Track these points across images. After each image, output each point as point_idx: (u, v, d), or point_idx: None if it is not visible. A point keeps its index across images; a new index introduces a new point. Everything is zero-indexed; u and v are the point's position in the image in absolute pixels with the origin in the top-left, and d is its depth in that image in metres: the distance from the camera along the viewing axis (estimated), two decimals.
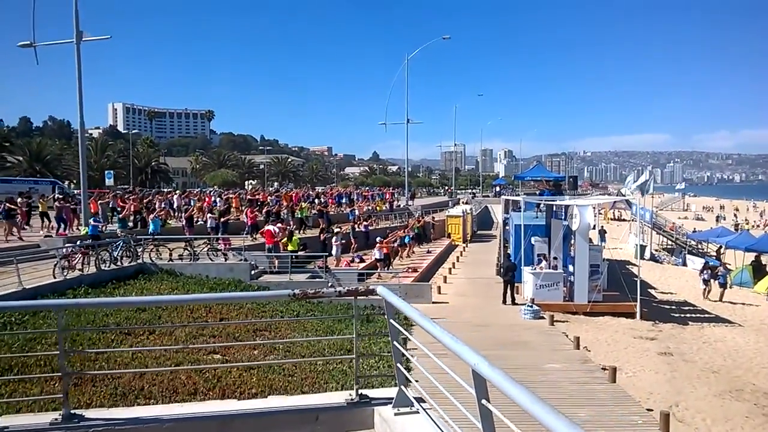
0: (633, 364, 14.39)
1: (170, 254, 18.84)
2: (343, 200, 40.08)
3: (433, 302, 20.08)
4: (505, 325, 17.01)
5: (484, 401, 2.78)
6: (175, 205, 29.30)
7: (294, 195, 37.17)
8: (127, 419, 4.21)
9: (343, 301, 16.12)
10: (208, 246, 19.55)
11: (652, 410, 10.22)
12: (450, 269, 27.87)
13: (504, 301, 20.33)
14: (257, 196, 33.90)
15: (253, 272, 18.85)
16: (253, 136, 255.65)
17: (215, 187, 68.43)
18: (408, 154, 53.24)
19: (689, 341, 18.24)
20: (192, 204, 28.40)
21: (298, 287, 16.77)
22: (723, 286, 26.96)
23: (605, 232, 46.24)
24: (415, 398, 4.37)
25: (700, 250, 41.84)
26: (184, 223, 23.39)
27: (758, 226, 60.89)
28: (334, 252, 24.47)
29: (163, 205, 27.61)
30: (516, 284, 21.31)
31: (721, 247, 37.46)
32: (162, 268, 18.26)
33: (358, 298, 4.73)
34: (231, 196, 34.62)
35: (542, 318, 17.71)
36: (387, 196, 49.25)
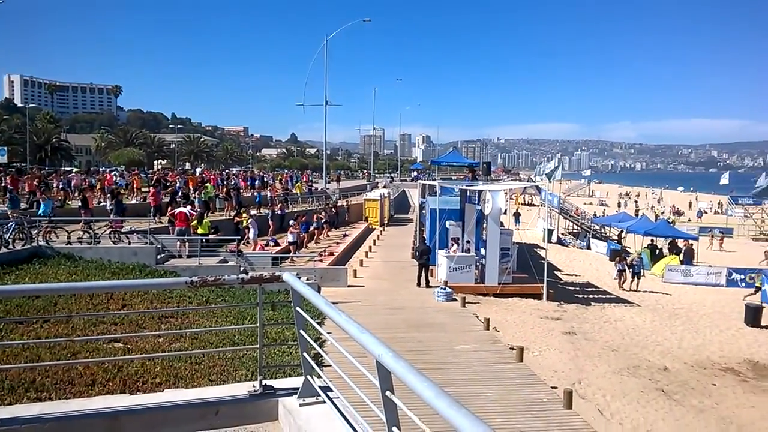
0: (539, 343, 14.93)
1: (68, 237, 17.65)
2: (256, 182, 39.13)
3: (349, 286, 20.00)
4: (419, 308, 17.19)
5: (388, 393, 2.66)
6: (73, 185, 27.48)
7: (212, 176, 35.90)
8: (1, 419, 3.79)
9: (255, 287, 15.71)
10: (111, 228, 18.47)
11: (556, 388, 10.61)
12: (366, 253, 27.90)
13: (418, 284, 20.57)
14: (159, 176, 32.35)
15: (159, 256, 18.00)
16: (164, 114, 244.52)
17: (121, 166, 65.04)
18: (327, 136, 52.59)
19: (591, 321, 19.19)
20: (93, 184, 26.79)
21: (207, 272, 16.24)
22: (637, 275, 27.37)
23: (519, 215, 47.88)
24: (321, 388, 4.22)
25: (603, 235, 44.14)
26: (80, 204, 21.96)
27: (664, 213, 64.87)
28: (250, 235, 23.85)
29: (60, 185, 25.85)
30: (431, 267, 21.61)
31: (622, 231, 39.67)
32: (59, 252, 17.08)
33: (264, 285, 4.50)
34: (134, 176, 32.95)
35: (455, 300, 18.05)
36: (303, 179, 48.58)
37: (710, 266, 31.88)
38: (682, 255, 33.49)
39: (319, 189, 47.44)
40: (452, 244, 21.80)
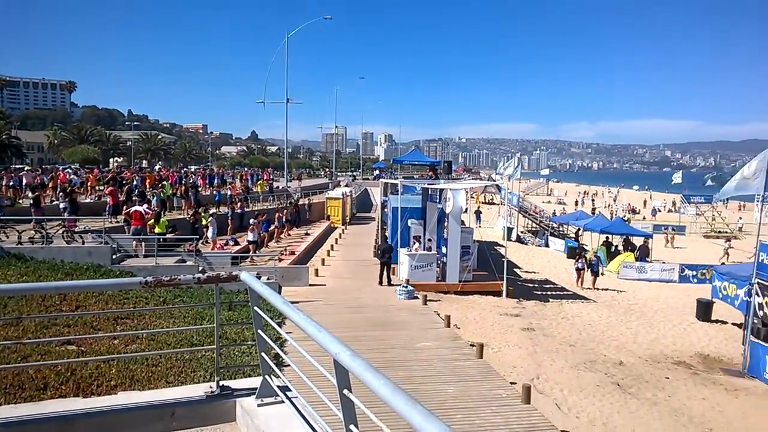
0: (499, 340, 15.13)
1: (19, 237, 17.06)
2: (215, 181, 38.54)
3: (311, 285, 19.90)
4: (381, 306, 17.22)
5: (345, 391, 2.66)
6: (24, 183, 26.56)
7: (170, 174, 35.17)
8: None
9: (214, 287, 15.47)
10: (64, 228, 17.93)
11: (515, 383, 10.76)
12: (328, 251, 27.79)
13: (380, 283, 20.59)
14: (114, 174, 31.55)
15: (114, 256, 17.56)
16: (120, 111, 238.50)
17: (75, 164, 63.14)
18: (288, 134, 52.22)
19: (549, 317, 19.55)
20: (45, 182, 25.96)
21: (165, 272, 15.91)
22: (595, 273, 27.59)
23: (480, 213, 48.40)
24: (280, 388, 4.18)
25: (561, 232, 45.00)
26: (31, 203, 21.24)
27: (618, 211, 66.43)
28: (209, 234, 23.48)
29: (11, 183, 24.97)
30: (393, 265, 21.66)
31: (579, 229, 40.51)
32: (9, 252, 16.48)
33: (222, 284, 4.44)
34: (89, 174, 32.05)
35: (416, 298, 18.14)
36: (264, 177, 48.07)
37: (664, 263, 32.86)
38: (637, 252, 34.41)
39: (280, 187, 47.05)
40: (414, 243, 21.91)
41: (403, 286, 18.70)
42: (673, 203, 73.57)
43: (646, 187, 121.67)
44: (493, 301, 20.27)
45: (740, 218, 58.11)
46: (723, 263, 31.95)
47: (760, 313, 16.09)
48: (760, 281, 15.95)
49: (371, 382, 2.21)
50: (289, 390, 4.10)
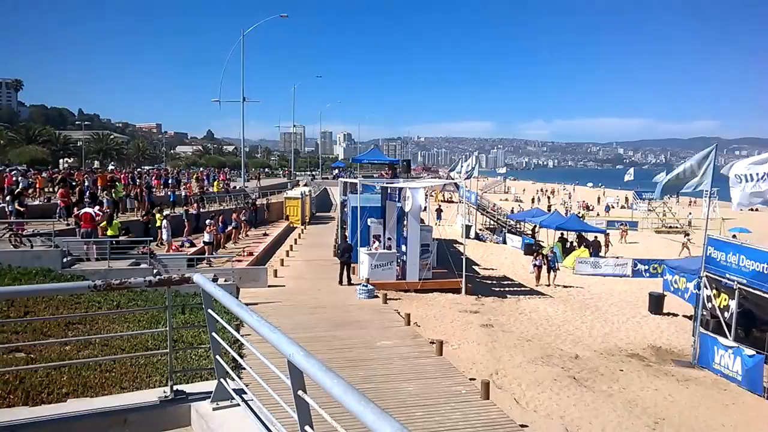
0: (458, 336, 15.26)
1: None
2: (170, 181, 37.75)
3: (270, 286, 19.68)
4: (341, 306, 17.17)
5: (300, 392, 2.63)
6: None
7: (123, 175, 34.24)
8: None
9: (170, 289, 15.15)
10: (11, 231, 17.28)
11: (474, 379, 10.88)
12: (287, 252, 27.55)
13: (340, 282, 20.53)
14: (64, 175, 30.55)
15: (65, 260, 17.02)
16: (70, 110, 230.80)
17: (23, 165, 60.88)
18: (245, 133, 51.54)
19: (507, 313, 19.82)
20: None
21: (118, 275, 15.50)
22: (553, 270, 27.49)
23: (441, 211, 48.72)
24: (235, 391, 4.12)
25: (518, 229, 45.70)
26: None
27: (572, 208, 67.86)
28: (163, 236, 22.98)
29: None
30: (353, 265, 21.62)
31: (535, 226, 41.23)
32: None
33: (179, 287, 4.34)
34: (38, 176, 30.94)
35: (376, 297, 18.15)
36: (221, 177, 47.36)
37: (617, 258, 33.73)
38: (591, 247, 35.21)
39: (238, 187, 46.43)
40: (374, 242, 21.93)
41: (363, 286, 18.68)
42: (626, 200, 75.63)
43: (600, 184, 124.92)
44: (452, 299, 20.45)
45: (690, 213, 60.14)
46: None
47: (709, 305, 16.67)
48: (708, 274, 16.52)
49: (324, 382, 2.21)
50: (245, 393, 4.05)
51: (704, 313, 16.93)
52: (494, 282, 26.59)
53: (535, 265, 27.65)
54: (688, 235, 40.91)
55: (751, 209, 65.85)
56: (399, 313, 16.24)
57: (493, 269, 30.29)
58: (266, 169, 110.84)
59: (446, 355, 12.35)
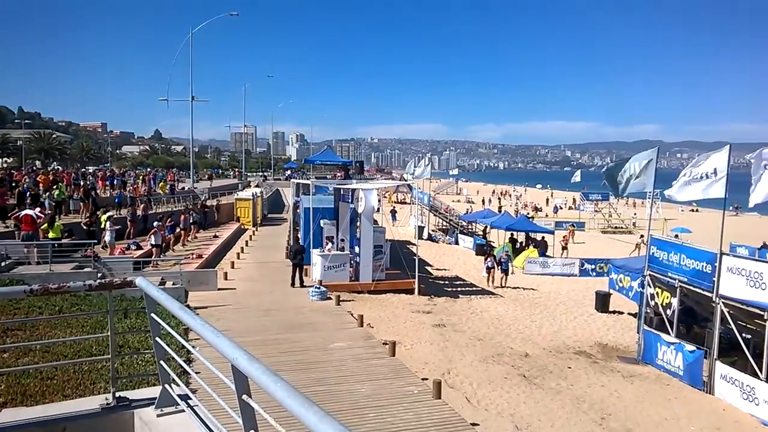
0: (411, 337, 15.30)
1: None
2: (116, 182, 36.61)
3: (220, 289, 19.31)
4: (293, 308, 16.98)
5: (245, 397, 2.55)
6: None
7: (65, 175, 32.94)
8: None
9: (116, 293, 14.67)
10: None
11: (427, 379, 10.91)
12: (238, 254, 27.11)
13: (293, 284, 20.33)
14: (2, 175, 29.20)
15: (3, 264, 16.26)
16: (10, 108, 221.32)
17: None
18: (194, 133, 50.46)
19: (459, 313, 20.02)
20: None
21: (60, 280, 14.88)
22: (505, 272, 27.52)
23: (396, 212, 48.81)
24: (180, 396, 3.99)
25: (470, 230, 46.27)
26: None
27: (520, 209, 69.20)
28: (107, 239, 22.21)
29: None
30: (305, 267, 21.43)
31: (486, 227, 41.83)
32: None
33: (124, 291, 4.17)
34: None
35: (329, 299, 18.04)
36: (169, 178, 46.24)
37: (565, 257, 34.54)
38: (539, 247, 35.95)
39: (186, 188, 45.45)
40: (327, 243, 21.79)
41: (316, 287, 18.54)
42: (574, 201, 77.59)
43: (548, 186, 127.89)
44: (405, 299, 20.51)
45: (635, 214, 62.21)
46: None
47: (652, 303, 17.23)
48: (651, 273, 17.07)
49: (268, 385, 2.16)
50: (191, 398, 3.92)
51: (648, 310, 17.49)
52: (447, 282, 26.82)
53: (488, 267, 27.50)
54: (642, 237, 42.25)
55: (692, 210, 68.70)
56: (352, 314, 16.17)
57: (445, 270, 30.55)
58: (217, 170, 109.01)
59: (399, 356, 12.36)
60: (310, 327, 14.73)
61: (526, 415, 10.63)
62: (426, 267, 28.88)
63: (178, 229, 26.83)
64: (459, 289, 25.47)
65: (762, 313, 12.95)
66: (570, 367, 15.01)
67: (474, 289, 25.81)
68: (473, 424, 9.05)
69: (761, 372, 13.09)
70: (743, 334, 14.29)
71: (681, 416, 12.31)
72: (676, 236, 34.34)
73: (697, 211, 68.34)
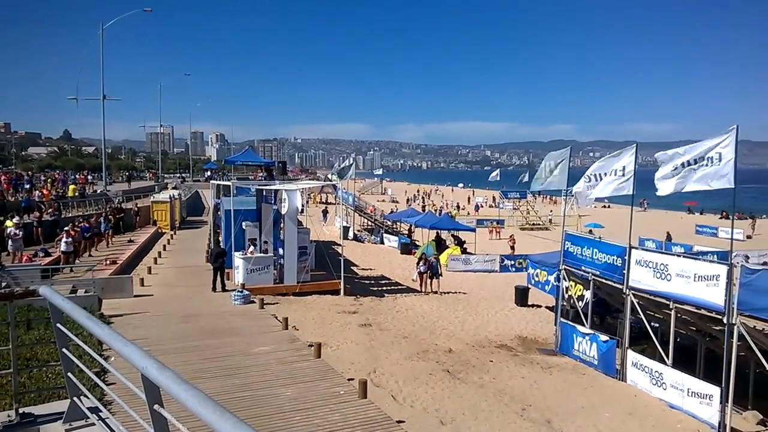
0: (337, 337, 15.24)
1: None
2: (22, 185, 34.42)
3: (136, 296, 18.49)
4: (215, 313, 16.53)
5: (156, 406, 2.44)
6: None
7: None
8: None
9: (22, 303, 13.75)
10: None
11: (353, 379, 10.88)
12: (155, 259, 26.08)
13: (214, 289, 19.80)
14: None
15: None
16: None
17: None
18: (106, 133, 48.04)
19: (385, 311, 20.14)
20: None
21: None
22: (435, 275, 26.30)
23: (327, 212, 48.49)
24: (91, 409, 3.78)
25: (395, 230, 46.73)
26: None
27: (463, 207, 70.37)
28: (11, 246, 20.83)
29: None
30: (227, 270, 20.92)
31: (411, 225, 42.37)
32: None
33: (19, 301, 3.90)
34: None
35: (252, 302, 17.69)
36: (80, 180, 43.94)
37: (486, 254, 35.50)
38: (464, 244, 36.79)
39: (99, 191, 43.35)
40: (249, 246, 21.35)
41: (238, 291, 18.14)
42: (494, 199, 79.89)
43: (469, 185, 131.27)
44: (331, 300, 20.42)
45: (551, 211, 64.79)
46: None
47: (566, 295, 17.99)
48: (566, 267, 17.82)
49: (179, 394, 2.07)
50: (101, 411, 3.72)
51: (564, 303, 18.26)
52: (372, 282, 26.93)
53: (419, 272, 26.41)
54: (592, 231, 43.85)
55: (604, 206, 72.32)
56: (276, 317, 15.93)
57: (371, 269, 30.67)
58: (133, 171, 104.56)
59: (325, 357, 12.27)
60: (233, 332, 14.39)
61: (450, 410, 10.81)
62: (352, 267, 28.89)
63: (90, 234, 25.51)
64: (385, 288, 25.63)
65: (668, 302, 13.79)
66: (492, 361, 15.43)
67: (400, 287, 26.05)
68: (399, 422, 9.12)
69: (668, 358, 13.94)
70: (652, 323, 15.20)
71: (596, 404, 12.92)
72: (590, 231, 36.03)
73: (608, 207, 72.00)
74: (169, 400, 2.44)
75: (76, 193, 36.62)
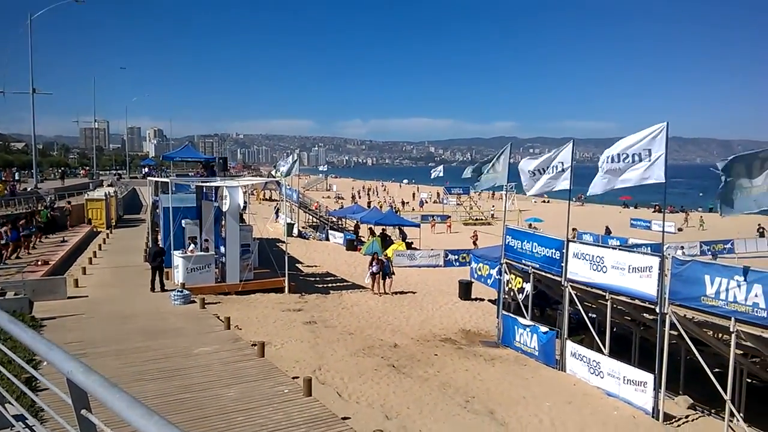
0: (281, 336, 15.08)
1: None
2: None
3: (70, 297, 17.75)
4: (154, 314, 16.05)
5: (83, 411, 2.33)
6: None
7: None
8: None
9: None
10: None
11: (297, 378, 10.79)
12: (90, 259, 25.09)
13: (152, 289, 19.21)
14: None
15: None
16: None
17: None
18: (36, 129, 45.92)
19: (330, 308, 20.08)
20: None
21: None
22: (387, 275, 25.24)
23: (279, 210, 47.76)
24: (16, 417, 3.59)
25: (340, 226, 46.61)
26: None
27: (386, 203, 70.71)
28: None
29: None
30: (166, 269, 20.34)
31: (357, 222, 42.36)
32: None
33: None
34: None
35: (193, 302, 17.27)
36: (5, 176, 41.81)
37: (431, 249, 35.88)
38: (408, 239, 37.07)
39: (29, 189, 41.42)
40: (189, 244, 20.82)
41: (178, 291, 17.65)
42: (438, 195, 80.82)
43: (414, 181, 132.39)
44: (275, 298, 20.19)
45: (493, 206, 66.09)
46: None
47: (508, 288, 18.39)
48: (507, 261, 18.20)
49: (106, 398, 1.99)
50: (27, 418, 3.54)
51: (505, 296, 18.66)
52: (318, 279, 26.78)
53: (372, 273, 25.12)
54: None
55: (544, 201, 74.31)
56: (218, 317, 15.61)
57: (316, 266, 30.48)
58: (65, 168, 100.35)
59: (269, 356, 12.11)
60: (174, 333, 14.01)
61: (395, 405, 10.88)
62: (296, 264, 28.63)
63: (19, 235, 24.31)
64: (330, 284, 25.52)
65: (604, 293, 14.29)
66: (436, 354, 15.62)
67: (345, 284, 25.99)
68: (344, 418, 9.10)
69: (605, 348, 14.46)
70: (589, 314, 15.71)
71: (538, 394, 13.27)
72: (530, 225, 36.96)
73: (548, 202, 74.08)
74: (99, 406, 2.34)
75: (5, 192, 34.83)
